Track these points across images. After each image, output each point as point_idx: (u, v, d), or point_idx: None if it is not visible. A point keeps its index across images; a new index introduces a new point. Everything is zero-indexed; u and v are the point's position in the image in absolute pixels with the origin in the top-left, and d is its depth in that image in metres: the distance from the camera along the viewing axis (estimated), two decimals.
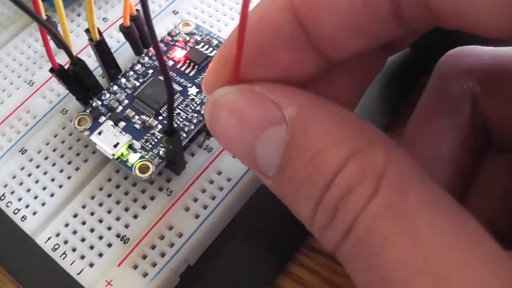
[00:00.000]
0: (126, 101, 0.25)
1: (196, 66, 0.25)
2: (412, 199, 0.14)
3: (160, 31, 0.28)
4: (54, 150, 0.25)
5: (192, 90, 0.25)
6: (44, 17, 0.26)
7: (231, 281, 0.23)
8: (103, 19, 0.29)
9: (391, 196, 0.14)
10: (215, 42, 0.26)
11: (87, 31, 0.24)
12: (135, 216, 0.24)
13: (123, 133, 0.24)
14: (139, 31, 0.26)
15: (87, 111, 0.25)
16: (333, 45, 0.17)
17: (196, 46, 0.26)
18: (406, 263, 0.13)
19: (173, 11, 0.29)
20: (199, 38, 0.26)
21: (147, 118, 0.24)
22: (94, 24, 0.23)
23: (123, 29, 0.25)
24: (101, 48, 0.24)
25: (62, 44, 0.22)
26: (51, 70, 0.24)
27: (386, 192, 0.14)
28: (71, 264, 0.23)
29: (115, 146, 0.23)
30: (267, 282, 0.24)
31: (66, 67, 0.24)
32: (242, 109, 0.17)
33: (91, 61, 0.27)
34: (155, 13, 0.29)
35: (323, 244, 0.16)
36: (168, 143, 0.21)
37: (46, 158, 0.25)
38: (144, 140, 0.24)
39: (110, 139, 0.23)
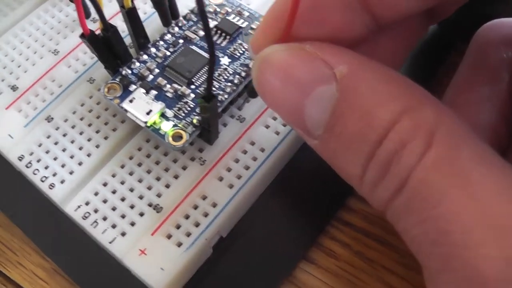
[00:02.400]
0: (157, 70, 0.24)
1: (228, 37, 0.25)
2: (464, 155, 0.14)
3: (187, 3, 0.28)
4: (81, 119, 0.25)
5: (224, 60, 0.24)
6: None
7: (264, 253, 0.23)
8: None
9: (444, 151, 0.14)
10: (246, 14, 0.26)
11: None
12: (167, 186, 0.23)
13: (156, 100, 0.23)
14: (168, 1, 0.26)
15: (117, 79, 0.24)
16: (385, 5, 0.17)
17: (227, 17, 0.26)
18: (464, 215, 0.14)
19: None
20: (229, 10, 0.26)
21: (179, 87, 0.24)
22: None
23: None
24: (132, 15, 0.24)
25: (96, 7, 0.22)
26: (82, 36, 0.23)
27: (439, 147, 0.14)
28: (102, 233, 0.22)
29: (148, 113, 0.23)
30: (300, 255, 0.23)
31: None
32: (292, 67, 0.17)
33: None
34: None
35: (372, 202, 0.16)
36: (205, 109, 0.21)
37: (73, 127, 0.25)
38: (176, 108, 0.23)
39: (142, 107, 0.23)
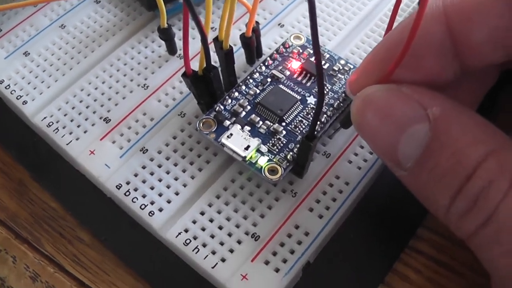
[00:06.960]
0: (249, 107, 0.26)
1: (312, 78, 0.27)
2: None
3: (268, 42, 0.30)
4: (174, 151, 0.27)
5: (310, 100, 0.26)
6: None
7: (347, 278, 0.25)
8: (212, 28, 0.31)
9: None
10: (327, 55, 0.28)
11: (216, 39, 0.26)
12: (262, 216, 0.25)
13: (252, 136, 0.25)
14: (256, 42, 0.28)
15: (211, 115, 0.26)
16: (475, 55, 0.20)
17: (310, 59, 0.28)
18: None
19: (279, 24, 0.31)
20: (311, 51, 0.28)
21: (271, 124, 0.26)
22: (229, 33, 0.25)
23: (244, 39, 0.27)
24: (229, 57, 0.26)
25: (205, 47, 0.23)
26: (184, 75, 0.25)
27: None
28: (204, 259, 0.24)
29: (246, 148, 0.25)
30: (379, 280, 0.25)
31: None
32: (391, 106, 0.19)
33: None
34: (261, 25, 0.31)
35: (457, 230, 0.19)
36: (307, 148, 0.23)
37: (167, 158, 0.26)
38: (270, 144, 0.25)
39: (240, 142, 0.25)
